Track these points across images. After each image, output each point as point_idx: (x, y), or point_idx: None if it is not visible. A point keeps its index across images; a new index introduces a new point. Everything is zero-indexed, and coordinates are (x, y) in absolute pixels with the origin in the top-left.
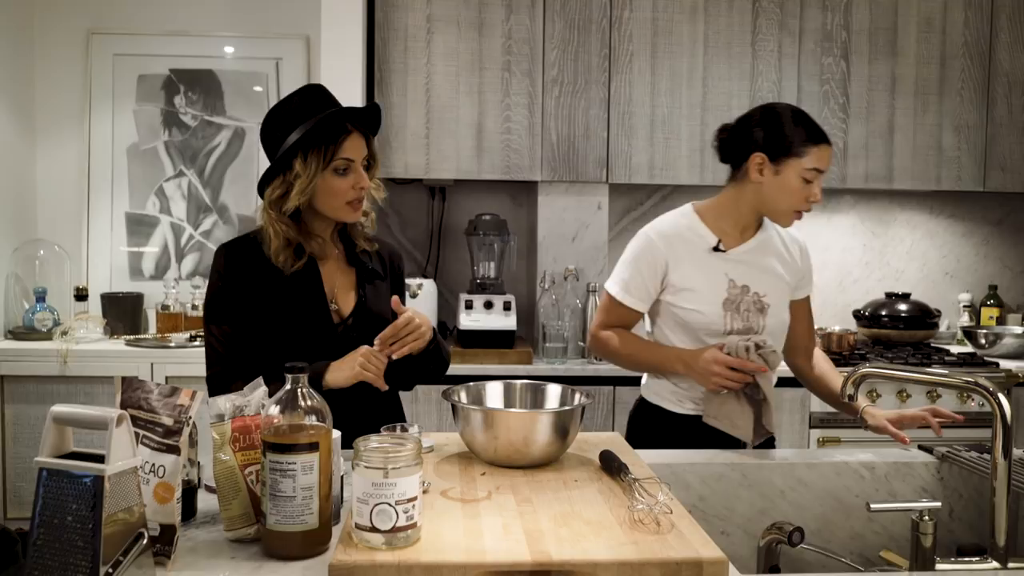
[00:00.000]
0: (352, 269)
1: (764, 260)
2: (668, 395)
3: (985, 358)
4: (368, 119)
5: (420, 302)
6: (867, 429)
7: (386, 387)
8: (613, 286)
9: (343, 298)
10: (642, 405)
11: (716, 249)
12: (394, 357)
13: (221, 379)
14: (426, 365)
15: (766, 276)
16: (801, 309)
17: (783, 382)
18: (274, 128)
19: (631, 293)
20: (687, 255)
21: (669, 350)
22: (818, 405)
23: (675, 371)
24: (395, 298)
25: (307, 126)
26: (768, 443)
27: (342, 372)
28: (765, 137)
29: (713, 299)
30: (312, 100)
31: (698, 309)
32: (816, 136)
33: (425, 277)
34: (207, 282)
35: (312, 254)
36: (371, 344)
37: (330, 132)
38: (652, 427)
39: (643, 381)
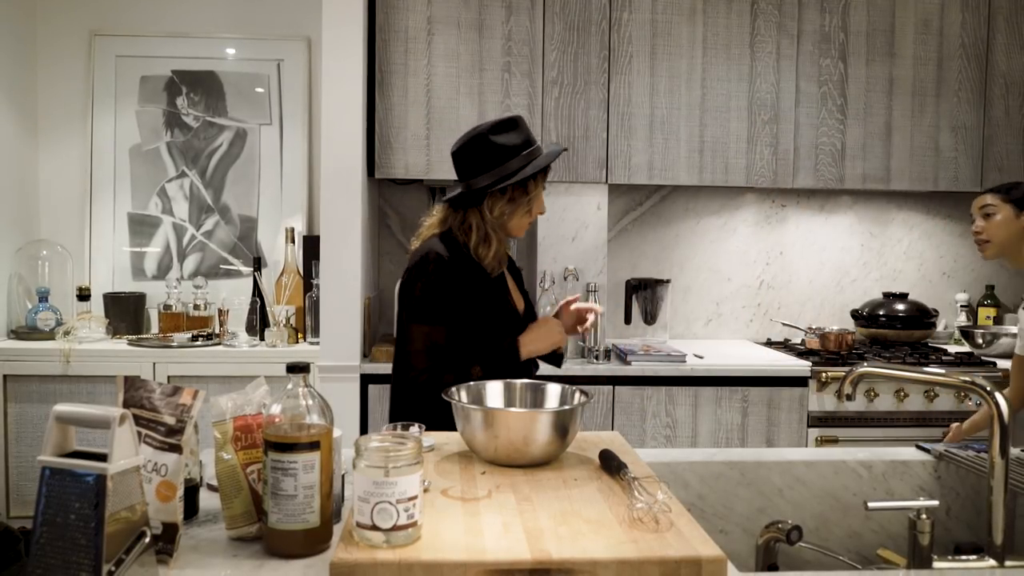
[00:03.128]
0: (509, 274)
1: None
2: None
3: (982, 358)
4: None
5: None
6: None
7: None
8: None
9: (515, 297)
10: None
11: None
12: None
13: (435, 373)
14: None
15: None
16: None
17: (782, 381)
18: (493, 151)
19: None
20: None
21: None
22: (816, 404)
23: None
24: (576, 296)
25: (548, 158)
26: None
27: (542, 342)
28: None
29: None
30: (526, 130)
31: None
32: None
33: None
34: (404, 285)
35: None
36: None
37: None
38: None
39: None
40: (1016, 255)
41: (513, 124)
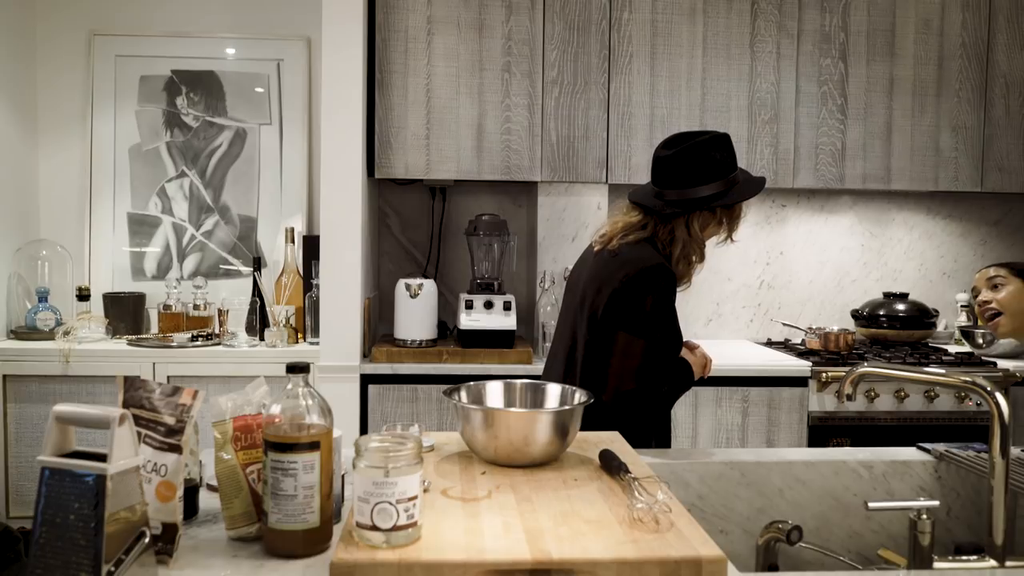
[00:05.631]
0: None
1: None
2: None
3: (983, 358)
4: None
5: (420, 302)
6: None
7: None
8: None
9: None
10: None
11: None
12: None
13: (650, 390)
14: None
15: None
16: None
17: (782, 381)
18: (712, 165)
19: None
20: None
21: None
22: (816, 404)
23: None
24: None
25: (760, 182)
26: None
27: (696, 372)
28: None
29: None
30: (733, 150)
31: None
32: None
33: (425, 277)
34: (626, 294)
35: None
36: None
37: None
38: None
39: None
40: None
41: (726, 141)
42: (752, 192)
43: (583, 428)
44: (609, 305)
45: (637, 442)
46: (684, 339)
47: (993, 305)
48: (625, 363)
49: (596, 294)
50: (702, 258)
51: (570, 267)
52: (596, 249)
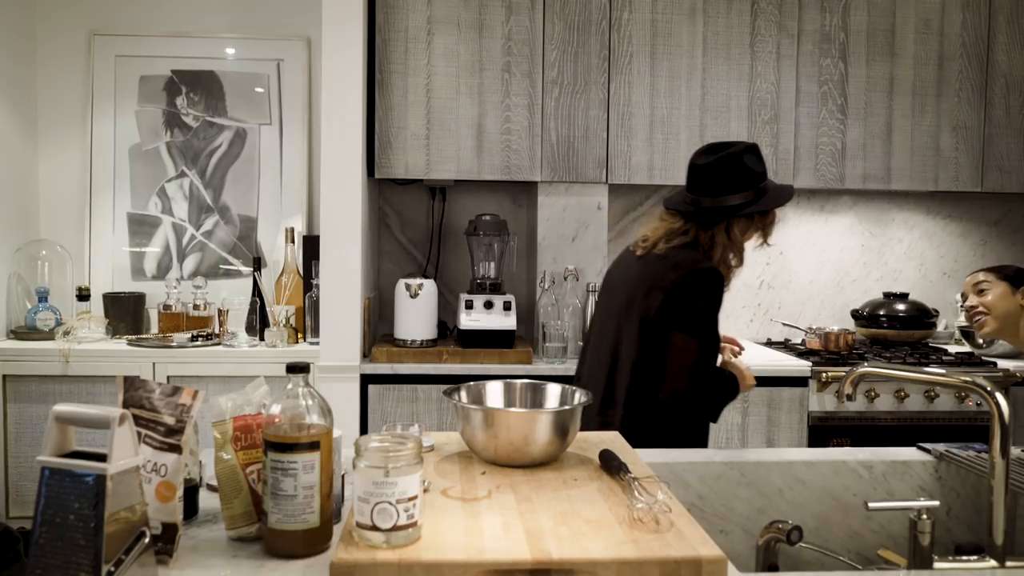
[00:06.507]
0: None
1: None
2: None
3: (983, 358)
4: None
5: (420, 302)
6: None
7: None
8: None
9: None
10: None
11: None
12: None
13: (700, 389)
14: None
15: None
16: None
17: (782, 381)
18: (746, 174)
19: None
20: None
21: None
22: (816, 404)
23: None
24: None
25: (788, 192)
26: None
27: (742, 384)
28: None
29: None
30: (763, 159)
31: None
32: None
33: (425, 277)
34: (678, 295)
35: None
36: None
37: None
38: None
39: None
40: (1015, 332)
41: (758, 151)
42: (785, 199)
43: (632, 429)
44: (663, 306)
45: (681, 444)
46: (730, 338)
47: (980, 308)
48: (680, 362)
49: (646, 296)
50: (741, 262)
51: (570, 267)
52: (638, 253)
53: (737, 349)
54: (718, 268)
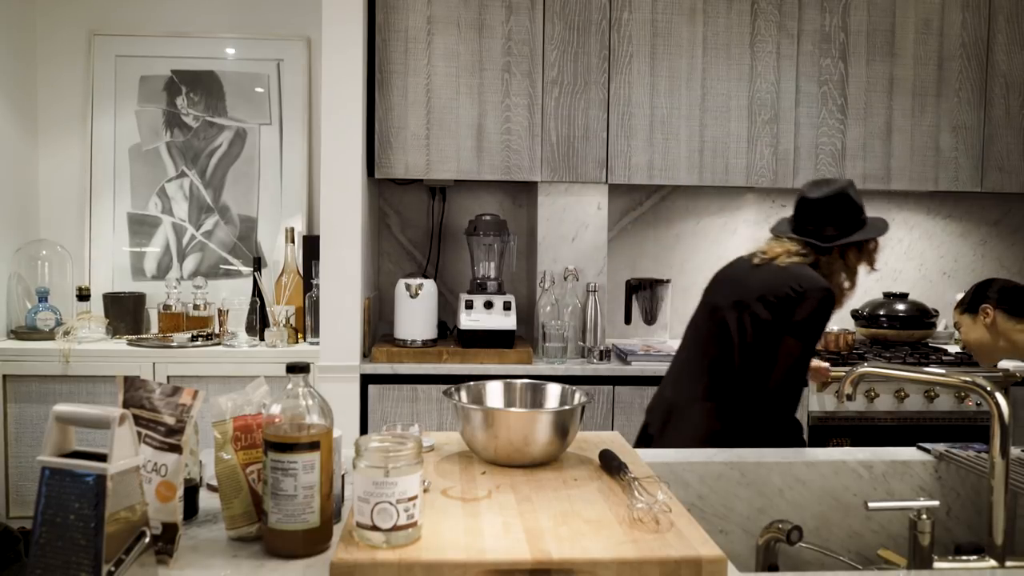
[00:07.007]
0: None
1: None
2: None
3: None
4: None
5: (420, 302)
6: None
7: None
8: None
9: None
10: None
11: None
12: None
13: (794, 391)
14: None
15: None
16: None
17: None
18: (856, 208)
19: None
20: None
21: None
22: (816, 404)
23: None
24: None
25: (885, 222)
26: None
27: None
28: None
29: None
30: None
31: None
32: None
33: (425, 277)
34: (796, 303)
35: None
36: None
37: None
38: None
39: None
40: (991, 353)
41: (855, 186)
42: (886, 228)
43: (733, 422)
44: (781, 311)
45: (776, 442)
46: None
47: (965, 348)
48: (784, 362)
49: (764, 300)
50: (854, 285)
51: (570, 267)
52: (755, 262)
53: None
54: (834, 289)
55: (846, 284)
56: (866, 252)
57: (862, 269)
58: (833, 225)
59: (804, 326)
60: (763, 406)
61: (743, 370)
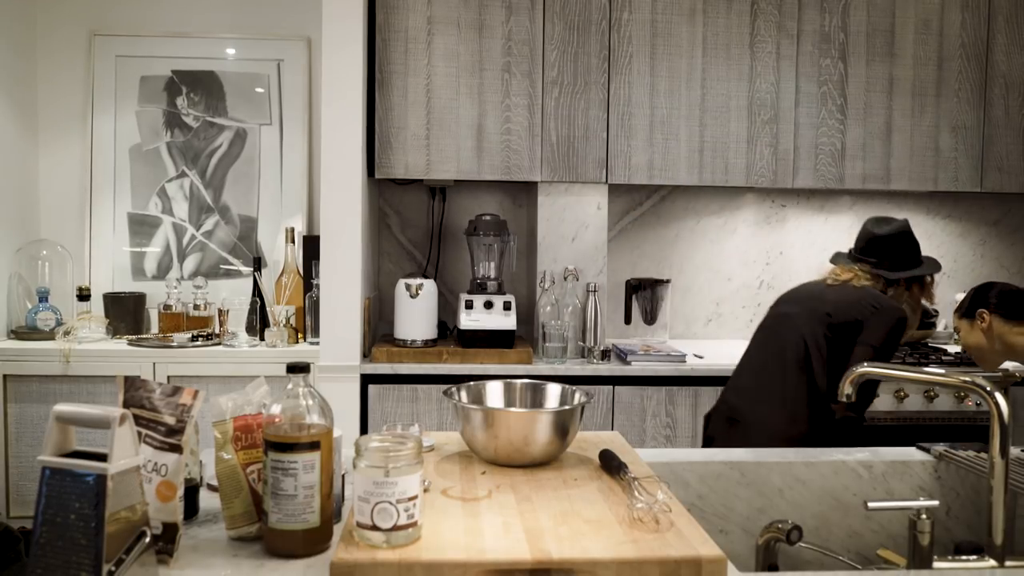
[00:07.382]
0: None
1: None
2: None
3: None
4: None
5: (420, 302)
6: None
7: None
8: None
9: None
10: None
11: None
12: None
13: (861, 404)
14: None
15: None
16: None
17: None
18: (916, 245)
19: None
20: None
21: None
22: None
23: None
24: None
25: (937, 261)
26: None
27: None
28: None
29: None
30: None
31: None
32: None
33: (425, 277)
34: (880, 320)
35: None
36: None
37: None
38: None
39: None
40: (991, 357)
41: (909, 225)
42: (940, 267)
43: (808, 427)
44: (857, 327)
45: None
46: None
47: (967, 352)
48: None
49: (844, 314)
50: (918, 319)
51: (570, 267)
52: (829, 282)
53: None
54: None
55: (911, 314)
56: (927, 287)
57: (923, 302)
58: (895, 260)
59: (879, 339)
60: (834, 413)
61: (819, 379)
